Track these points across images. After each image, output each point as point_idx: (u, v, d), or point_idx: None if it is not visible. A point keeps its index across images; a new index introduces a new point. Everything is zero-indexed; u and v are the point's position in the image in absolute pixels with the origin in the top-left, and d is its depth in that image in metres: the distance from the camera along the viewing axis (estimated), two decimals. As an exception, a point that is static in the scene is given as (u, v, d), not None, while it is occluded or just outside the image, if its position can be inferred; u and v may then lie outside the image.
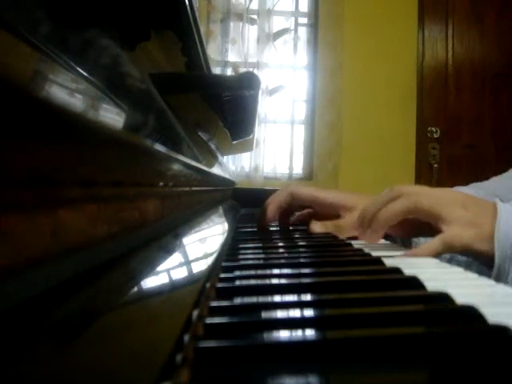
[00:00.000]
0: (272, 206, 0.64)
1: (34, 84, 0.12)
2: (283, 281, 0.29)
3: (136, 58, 0.35)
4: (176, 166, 0.32)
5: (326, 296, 0.26)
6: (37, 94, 0.12)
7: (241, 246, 0.47)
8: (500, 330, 0.18)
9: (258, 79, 0.60)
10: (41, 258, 0.14)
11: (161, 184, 0.30)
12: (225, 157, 1.17)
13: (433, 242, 0.45)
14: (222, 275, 0.31)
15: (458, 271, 0.36)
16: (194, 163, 0.37)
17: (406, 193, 0.47)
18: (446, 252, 0.46)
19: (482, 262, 0.48)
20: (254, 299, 0.25)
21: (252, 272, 0.33)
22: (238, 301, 0.25)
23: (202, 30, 0.66)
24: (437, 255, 0.44)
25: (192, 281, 0.26)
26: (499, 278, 0.44)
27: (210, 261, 0.32)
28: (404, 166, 2.53)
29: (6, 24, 0.12)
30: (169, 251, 0.29)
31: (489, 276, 0.48)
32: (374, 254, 0.41)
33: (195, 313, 0.20)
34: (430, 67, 2.59)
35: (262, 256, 0.42)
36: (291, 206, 0.66)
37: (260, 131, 2.48)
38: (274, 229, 0.69)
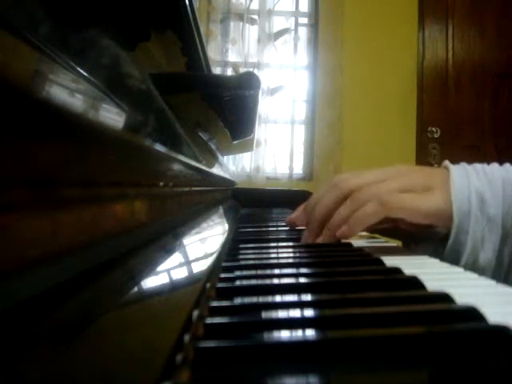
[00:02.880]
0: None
1: (34, 84, 0.12)
2: (283, 281, 0.29)
3: (136, 58, 0.35)
4: (176, 166, 0.32)
5: (326, 296, 0.26)
6: (37, 93, 0.12)
7: (241, 246, 0.47)
8: (500, 329, 0.18)
9: (258, 79, 0.60)
10: (40, 258, 0.14)
11: (161, 184, 0.30)
12: (225, 157, 1.17)
13: (366, 207, 0.44)
14: (223, 275, 0.31)
15: (458, 271, 0.36)
16: (193, 163, 0.37)
17: (368, 196, 0.44)
18: (384, 218, 0.44)
19: (430, 232, 0.48)
20: (254, 299, 0.25)
21: (252, 272, 0.33)
22: (238, 301, 0.25)
23: (202, 30, 0.66)
24: (374, 224, 0.44)
25: (192, 281, 0.26)
26: (458, 239, 0.44)
27: (210, 261, 0.32)
28: (404, 166, 2.52)
29: (6, 24, 0.12)
30: (169, 251, 0.29)
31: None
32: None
33: (195, 313, 0.20)
34: (430, 67, 2.59)
35: (262, 256, 0.42)
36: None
37: (260, 131, 2.48)
38: (274, 229, 0.69)
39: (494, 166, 0.48)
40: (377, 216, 0.44)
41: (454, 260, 0.45)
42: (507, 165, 0.48)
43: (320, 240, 0.48)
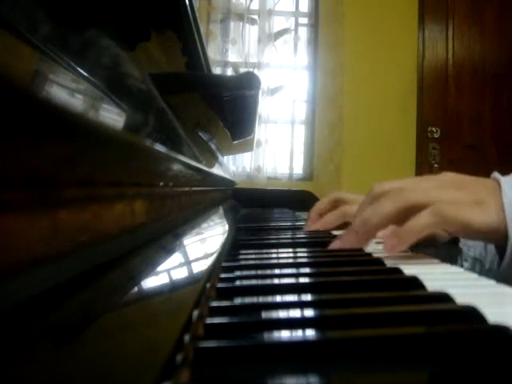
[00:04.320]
0: (313, 213, 0.65)
1: (34, 84, 0.12)
2: (283, 281, 0.29)
3: (136, 58, 0.35)
4: (176, 166, 0.32)
5: (326, 296, 0.26)
6: (37, 93, 0.12)
7: (241, 246, 0.47)
8: (500, 330, 0.18)
9: (258, 79, 0.60)
10: (40, 258, 0.14)
11: (161, 184, 0.30)
12: (225, 157, 1.17)
13: (421, 217, 0.39)
14: (223, 275, 0.31)
15: (458, 271, 0.36)
16: (193, 163, 0.37)
17: (425, 202, 0.40)
18: (438, 228, 0.40)
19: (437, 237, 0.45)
20: (254, 299, 0.25)
21: (252, 272, 0.33)
22: (238, 301, 0.25)
23: (202, 30, 0.66)
24: (427, 234, 0.40)
25: (192, 281, 0.26)
26: None
27: (210, 261, 0.32)
28: (404, 166, 2.53)
29: (6, 24, 0.12)
30: (169, 251, 0.29)
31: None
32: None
33: (195, 313, 0.20)
34: (430, 67, 2.59)
35: (263, 256, 0.42)
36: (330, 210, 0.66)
37: (260, 131, 2.48)
38: (275, 229, 0.69)
39: None
40: (432, 228, 0.40)
41: (509, 277, 0.40)
42: None
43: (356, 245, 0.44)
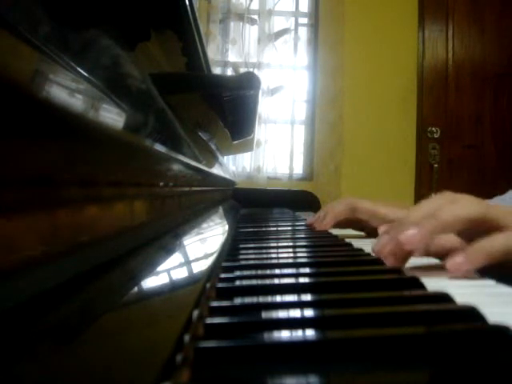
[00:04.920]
0: (330, 217, 0.65)
1: (34, 84, 0.12)
2: (283, 281, 0.29)
3: (136, 58, 0.35)
4: (176, 166, 0.32)
5: (326, 296, 0.26)
6: (37, 93, 0.12)
7: (241, 246, 0.47)
8: (500, 330, 0.18)
9: (258, 79, 0.60)
10: (40, 258, 0.14)
11: (161, 184, 0.30)
12: (225, 157, 1.17)
13: (498, 239, 0.33)
14: (223, 275, 0.31)
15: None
16: (194, 163, 0.37)
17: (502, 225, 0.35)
18: (506, 259, 0.33)
19: None
20: (254, 299, 0.25)
21: (252, 272, 0.33)
22: (238, 301, 0.25)
23: (202, 30, 0.66)
24: (499, 259, 0.33)
25: (192, 281, 0.26)
26: None
27: (210, 261, 0.32)
28: (404, 166, 2.53)
29: (6, 24, 0.12)
30: (169, 251, 0.29)
31: None
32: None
33: (195, 313, 0.20)
34: (430, 67, 2.59)
35: (263, 256, 0.42)
36: (348, 218, 0.66)
37: (260, 131, 2.48)
38: (274, 229, 0.69)
39: None
40: (506, 256, 0.33)
41: None
42: None
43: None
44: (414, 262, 0.37)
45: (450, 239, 0.39)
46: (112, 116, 0.20)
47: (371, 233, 0.62)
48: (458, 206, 0.36)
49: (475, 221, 0.35)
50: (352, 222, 0.66)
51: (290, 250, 0.46)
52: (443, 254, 0.37)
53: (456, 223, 0.35)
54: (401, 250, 0.35)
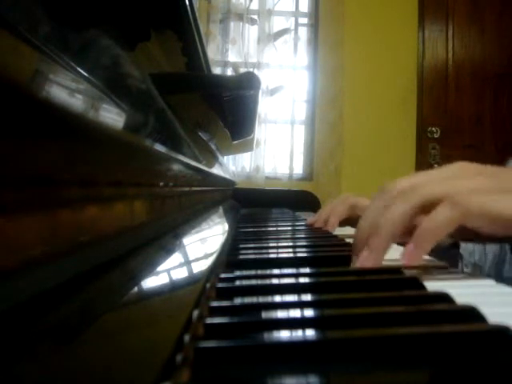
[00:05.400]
0: (334, 219, 0.64)
1: (34, 84, 0.12)
2: (283, 281, 0.29)
3: (136, 58, 0.35)
4: (176, 166, 0.32)
5: (326, 296, 0.26)
6: (37, 94, 0.12)
7: (241, 245, 0.47)
8: (500, 329, 0.18)
9: (258, 79, 0.60)
10: (40, 258, 0.14)
11: (161, 184, 0.30)
12: (225, 157, 1.17)
13: (438, 214, 0.33)
14: (223, 275, 0.31)
15: (457, 271, 0.36)
16: (193, 163, 0.37)
17: (444, 197, 0.34)
18: (460, 224, 0.33)
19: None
20: (254, 299, 0.25)
21: (252, 272, 0.33)
22: (238, 301, 0.25)
23: (202, 30, 0.66)
24: (452, 230, 0.33)
25: (192, 281, 0.26)
26: None
27: (210, 261, 0.32)
28: (404, 166, 2.53)
29: (6, 24, 0.12)
30: (169, 251, 0.29)
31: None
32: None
33: (195, 313, 0.20)
34: (430, 67, 2.59)
35: (263, 256, 0.42)
36: (348, 217, 0.66)
37: (260, 131, 2.48)
38: (274, 229, 0.69)
39: None
40: (452, 225, 0.33)
41: None
42: None
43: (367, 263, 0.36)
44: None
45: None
46: (112, 116, 0.20)
47: None
48: (395, 207, 0.36)
49: (414, 213, 0.35)
50: (352, 219, 0.66)
51: (290, 249, 0.46)
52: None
53: (400, 225, 0.35)
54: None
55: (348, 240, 0.51)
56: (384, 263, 0.36)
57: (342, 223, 0.67)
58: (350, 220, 0.66)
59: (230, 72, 2.58)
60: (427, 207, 0.34)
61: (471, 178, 0.36)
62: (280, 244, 0.51)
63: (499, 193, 0.34)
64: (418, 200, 0.35)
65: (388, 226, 0.35)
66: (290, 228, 0.71)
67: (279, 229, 0.70)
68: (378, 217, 0.36)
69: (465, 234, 0.36)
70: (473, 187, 0.34)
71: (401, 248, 0.37)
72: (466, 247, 0.55)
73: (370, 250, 0.36)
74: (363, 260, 0.36)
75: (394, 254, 0.37)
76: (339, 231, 0.63)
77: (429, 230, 0.33)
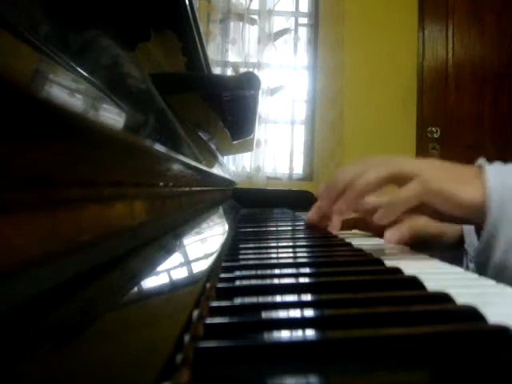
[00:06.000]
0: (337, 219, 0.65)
1: (34, 84, 0.12)
2: (283, 281, 0.29)
3: (136, 58, 0.35)
4: (176, 166, 0.32)
5: (326, 296, 0.26)
6: (37, 93, 0.12)
7: (241, 246, 0.47)
8: (500, 329, 0.18)
9: (258, 79, 0.60)
10: (40, 258, 0.14)
11: (161, 184, 0.30)
12: (225, 157, 1.17)
13: (408, 188, 0.42)
14: (223, 275, 0.31)
15: (458, 271, 0.36)
16: (193, 163, 0.37)
17: (413, 174, 0.43)
18: (424, 199, 0.42)
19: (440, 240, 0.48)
20: (254, 299, 0.25)
21: (252, 272, 0.33)
22: (238, 301, 0.25)
23: (202, 30, 0.66)
24: (413, 204, 0.42)
25: (192, 281, 0.26)
26: (492, 235, 0.42)
27: (210, 261, 0.32)
28: (404, 166, 2.52)
29: (6, 24, 0.12)
30: (169, 251, 0.29)
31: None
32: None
33: (195, 313, 0.20)
34: (430, 67, 2.59)
35: (262, 256, 0.42)
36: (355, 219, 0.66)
37: (260, 131, 2.48)
38: (274, 229, 0.69)
39: None
40: (417, 198, 0.42)
41: (484, 255, 0.43)
42: None
43: (335, 225, 0.47)
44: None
45: (371, 200, 0.50)
46: (112, 116, 0.20)
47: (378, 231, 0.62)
48: (369, 173, 0.44)
49: (388, 178, 0.43)
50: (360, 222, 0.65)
51: (290, 249, 0.46)
52: (372, 213, 0.46)
53: (370, 187, 0.44)
54: (335, 217, 0.48)
55: (348, 240, 0.51)
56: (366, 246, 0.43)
57: (351, 227, 0.65)
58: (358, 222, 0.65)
59: (229, 72, 2.58)
60: (397, 179, 0.43)
61: (436, 166, 0.45)
62: (280, 244, 0.51)
63: (458, 182, 0.43)
64: (390, 171, 0.43)
65: (362, 184, 0.44)
66: (289, 228, 0.71)
67: (279, 229, 0.70)
68: (354, 177, 0.45)
69: (433, 216, 0.46)
70: (435, 173, 0.43)
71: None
72: (470, 243, 0.55)
73: (344, 199, 0.44)
74: (337, 209, 0.45)
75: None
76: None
77: (399, 199, 0.42)
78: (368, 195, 0.45)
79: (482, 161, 0.46)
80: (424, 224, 0.53)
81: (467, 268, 0.53)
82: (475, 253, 0.45)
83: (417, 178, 0.42)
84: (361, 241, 0.53)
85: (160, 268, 0.24)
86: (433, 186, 0.42)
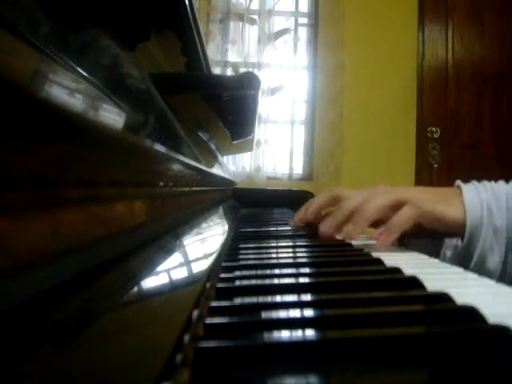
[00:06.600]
0: (313, 208, 0.65)
1: (34, 84, 0.12)
2: (283, 281, 0.29)
3: (136, 58, 0.35)
4: (176, 166, 0.32)
5: (326, 296, 0.26)
6: (37, 93, 0.12)
7: (241, 245, 0.47)
8: (500, 329, 0.18)
9: (258, 79, 0.60)
10: (40, 258, 0.14)
11: (161, 184, 0.30)
12: (225, 157, 1.17)
13: (404, 211, 0.48)
14: (222, 275, 0.31)
15: (458, 271, 0.36)
16: (193, 163, 0.37)
17: (408, 200, 0.50)
18: (418, 220, 0.48)
19: (451, 233, 0.52)
20: (254, 299, 0.25)
21: (252, 272, 0.33)
22: (238, 301, 0.25)
23: (202, 30, 0.66)
24: (410, 225, 0.48)
25: (192, 281, 0.26)
26: (470, 246, 0.49)
27: (210, 261, 0.32)
28: (404, 166, 2.53)
29: (6, 24, 0.12)
30: (169, 251, 0.29)
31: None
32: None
33: (195, 313, 0.20)
34: (430, 67, 2.59)
35: (262, 256, 0.42)
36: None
37: (260, 131, 2.48)
38: (274, 229, 0.69)
39: (500, 183, 0.54)
40: (413, 220, 0.48)
41: (462, 263, 0.49)
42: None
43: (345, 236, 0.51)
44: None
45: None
46: (112, 116, 0.20)
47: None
48: (374, 200, 0.50)
49: (390, 206, 0.49)
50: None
51: (290, 249, 0.46)
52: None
53: (377, 212, 0.50)
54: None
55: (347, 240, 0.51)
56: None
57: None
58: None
59: (229, 72, 2.58)
60: (395, 206, 0.49)
61: (423, 192, 0.52)
62: (280, 244, 0.51)
63: (443, 202, 0.50)
64: (392, 199, 0.50)
65: (370, 210, 0.50)
66: (289, 228, 0.71)
67: (279, 228, 0.70)
68: (362, 203, 0.50)
69: (416, 233, 0.52)
70: (425, 197, 0.50)
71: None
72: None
73: (353, 223, 0.50)
74: (347, 232, 0.51)
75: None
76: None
77: (397, 222, 0.48)
78: (374, 220, 0.50)
79: (458, 182, 0.54)
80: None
81: (444, 254, 0.59)
82: (456, 257, 0.52)
83: (410, 202, 0.49)
84: (360, 242, 0.53)
85: (160, 268, 0.24)
86: (426, 208, 0.48)
